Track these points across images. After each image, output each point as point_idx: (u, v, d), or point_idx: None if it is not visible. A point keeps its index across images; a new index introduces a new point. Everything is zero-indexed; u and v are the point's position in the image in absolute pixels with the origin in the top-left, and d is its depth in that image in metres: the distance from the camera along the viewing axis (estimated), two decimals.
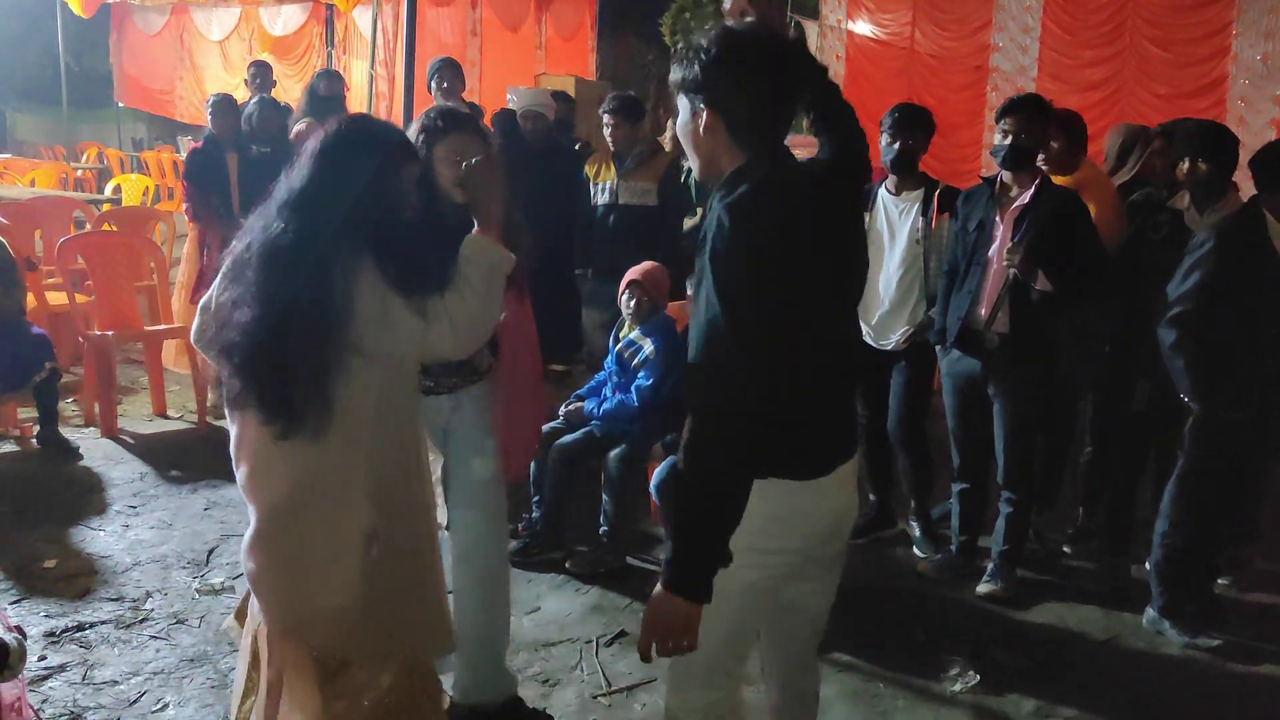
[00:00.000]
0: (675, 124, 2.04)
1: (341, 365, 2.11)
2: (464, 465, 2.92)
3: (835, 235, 2.05)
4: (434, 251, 2.30)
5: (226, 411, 2.24)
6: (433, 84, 6.03)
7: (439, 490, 2.88)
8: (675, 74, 1.97)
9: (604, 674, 3.33)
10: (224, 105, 6.20)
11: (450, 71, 6.03)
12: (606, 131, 5.30)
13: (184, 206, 6.16)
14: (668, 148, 6.06)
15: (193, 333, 2.35)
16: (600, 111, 5.42)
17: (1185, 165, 3.78)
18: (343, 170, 2.20)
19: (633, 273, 4.23)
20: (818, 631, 2.31)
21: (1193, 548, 3.68)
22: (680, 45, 2.01)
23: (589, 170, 5.49)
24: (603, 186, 5.39)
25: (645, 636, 1.89)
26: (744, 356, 1.80)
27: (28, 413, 5.25)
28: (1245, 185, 4.95)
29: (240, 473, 2.23)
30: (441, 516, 2.86)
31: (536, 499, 4.17)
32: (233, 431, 2.23)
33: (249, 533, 2.23)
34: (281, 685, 2.23)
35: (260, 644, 2.29)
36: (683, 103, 1.98)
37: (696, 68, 1.91)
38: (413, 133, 2.67)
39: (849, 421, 2.19)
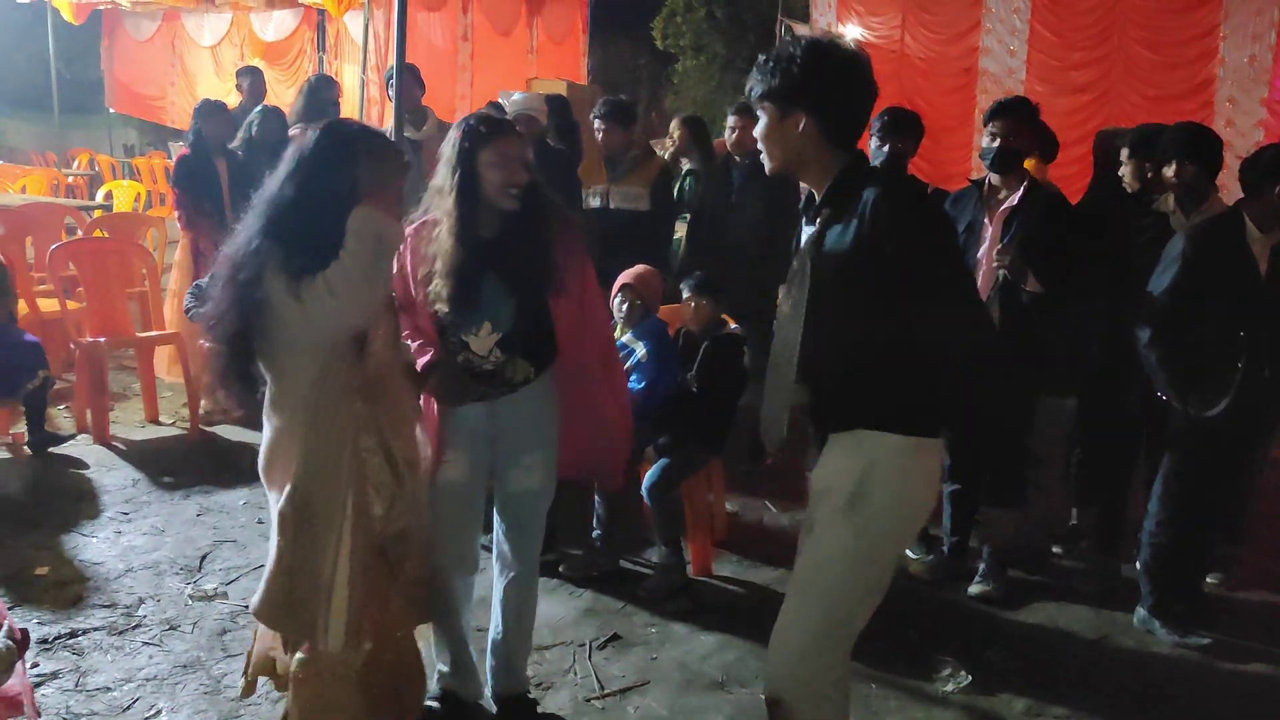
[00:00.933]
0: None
1: (270, 358, 2.43)
2: (501, 477, 2.95)
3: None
4: (323, 232, 2.38)
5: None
6: (391, 91, 6.07)
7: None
8: (764, 81, 2.18)
9: (597, 677, 3.34)
10: (214, 110, 6.20)
11: (407, 78, 6.06)
12: (599, 137, 5.31)
13: (176, 213, 6.15)
14: (668, 150, 6.08)
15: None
16: (592, 117, 5.43)
17: (1172, 168, 3.80)
18: (319, 180, 2.31)
19: (625, 276, 4.24)
20: None
21: (1180, 547, 3.70)
22: (765, 56, 2.22)
23: (581, 176, 5.49)
24: (594, 192, 5.40)
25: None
26: (968, 312, 2.15)
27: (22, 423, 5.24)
28: (1233, 187, 5.00)
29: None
30: None
31: None
32: None
33: None
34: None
35: None
36: (769, 108, 2.19)
37: (795, 75, 2.14)
38: (454, 139, 2.69)
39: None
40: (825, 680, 2.27)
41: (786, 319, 2.30)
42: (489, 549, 3.13)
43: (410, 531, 2.57)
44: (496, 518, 3.03)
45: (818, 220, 2.26)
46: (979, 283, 3.82)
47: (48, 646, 3.38)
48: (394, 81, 5.95)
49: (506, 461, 2.91)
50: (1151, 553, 3.72)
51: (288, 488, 2.45)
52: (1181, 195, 3.84)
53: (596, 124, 5.31)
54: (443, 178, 2.70)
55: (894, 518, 2.24)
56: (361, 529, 2.48)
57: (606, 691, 3.27)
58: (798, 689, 2.25)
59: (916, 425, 2.20)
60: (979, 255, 3.84)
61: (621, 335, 4.24)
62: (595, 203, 5.38)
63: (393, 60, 5.07)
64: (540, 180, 2.78)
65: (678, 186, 6.15)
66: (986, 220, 3.85)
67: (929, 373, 2.12)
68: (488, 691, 3.12)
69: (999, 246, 3.75)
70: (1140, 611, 3.79)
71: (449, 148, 2.69)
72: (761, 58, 2.23)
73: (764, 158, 2.29)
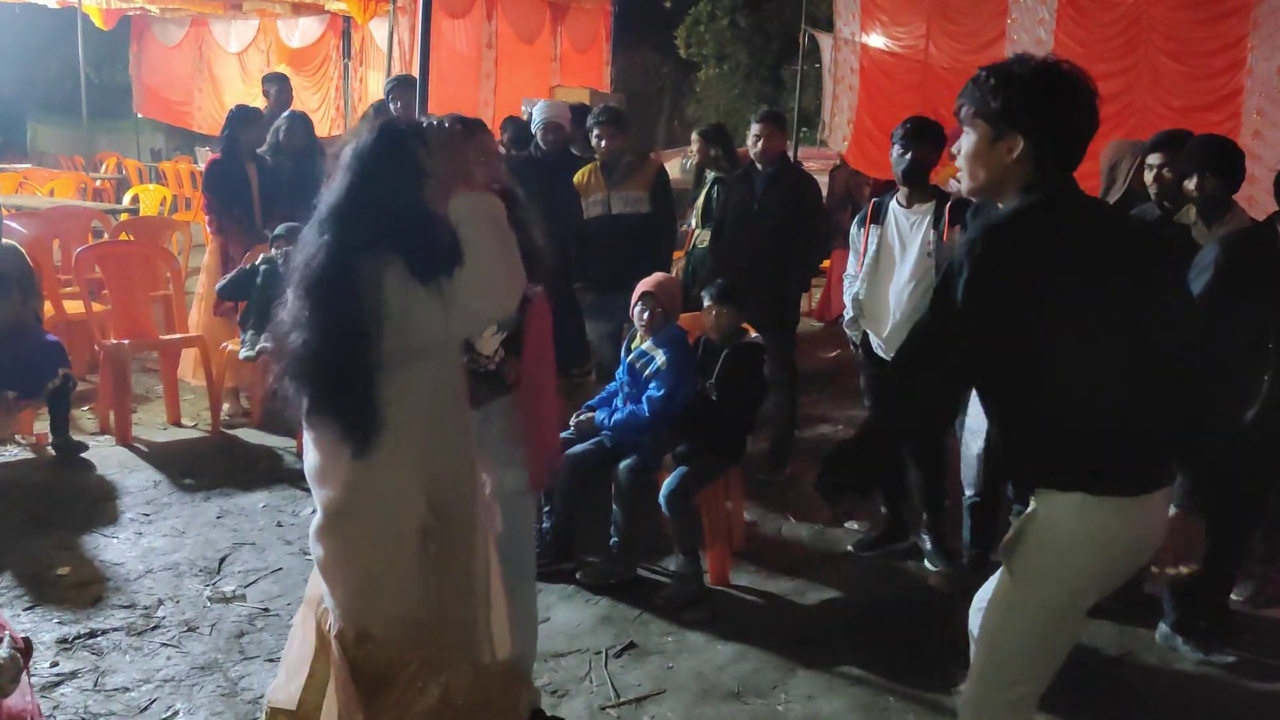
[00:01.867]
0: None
1: (387, 371, 2.22)
2: (504, 473, 2.93)
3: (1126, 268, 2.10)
4: (443, 237, 2.33)
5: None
6: (390, 104, 6.13)
7: None
8: (978, 97, 2.09)
9: (613, 685, 3.33)
10: (249, 116, 6.27)
11: (400, 90, 6.13)
12: (600, 144, 5.32)
13: (206, 219, 6.21)
14: (695, 156, 6.11)
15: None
16: (589, 124, 5.45)
17: (1194, 181, 3.75)
18: (377, 180, 2.26)
19: (646, 284, 4.24)
20: None
21: (1205, 563, 3.63)
22: (985, 72, 2.11)
23: (578, 184, 5.50)
24: (595, 199, 5.42)
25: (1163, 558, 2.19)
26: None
27: (45, 423, 5.29)
28: (1262, 199, 4.94)
29: (307, 460, 2.37)
30: None
31: (547, 509, 4.17)
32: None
33: (314, 520, 2.36)
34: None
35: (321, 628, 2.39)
36: (979, 126, 2.10)
37: (1019, 98, 2.04)
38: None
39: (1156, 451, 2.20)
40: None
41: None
42: None
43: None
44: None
45: None
46: None
47: (67, 646, 3.41)
48: (393, 93, 6.09)
49: (500, 462, 2.90)
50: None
51: (420, 504, 2.31)
52: (1203, 208, 3.80)
53: (595, 132, 5.33)
54: None
55: (1044, 567, 2.16)
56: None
57: (622, 700, 3.26)
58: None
59: (1084, 482, 2.08)
60: None
61: (642, 343, 4.24)
62: (597, 210, 5.40)
63: (418, 66, 5.12)
64: (517, 191, 2.80)
65: (704, 195, 6.17)
66: None
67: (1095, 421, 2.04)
68: None
69: None
70: (1163, 628, 3.73)
71: None
72: (982, 73, 2.12)
73: (963, 176, 2.20)
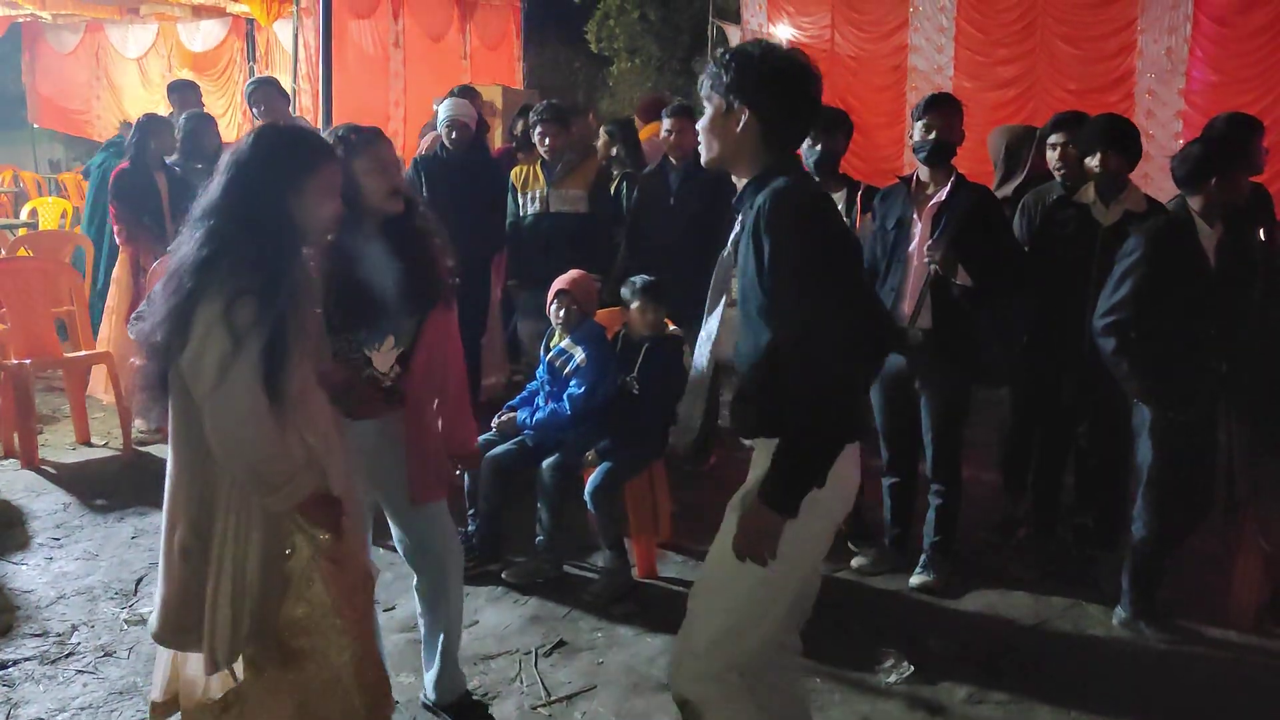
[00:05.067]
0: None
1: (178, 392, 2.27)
2: (400, 485, 2.91)
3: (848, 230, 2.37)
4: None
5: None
6: (253, 110, 6.01)
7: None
8: (716, 74, 2.24)
9: (543, 684, 3.33)
10: (158, 124, 6.09)
11: (264, 93, 6.03)
12: (542, 141, 5.26)
13: (115, 228, 6.01)
14: (603, 151, 6.08)
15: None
16: (531, 121, 5.38)
17: (1096, 159, 3.87)
18: (252, 183, 2.22)
19: (560, 282, 4.24)
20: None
21: (1168, 547, 3.70)
22: (723, 51, 2.29)
23: (515, 180, 5.46)
24: (532, 195, 5.36)
25: (738, 543, 2.18)
26: (833, 304, 2.10)
27: None
28: (1156, 176, 5.11)
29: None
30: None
31: (471, 512, 4.15)
32: None
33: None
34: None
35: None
36: (715, 101, 2.24)
37: (746, 72, 2.19)
38: None
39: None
40: (731, 680, 2.27)
41: (709, 324, 2.34)
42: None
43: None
44: (404, 534, 3.01)
45: (737, 225, 2.30)
46: (908, 278, 3.88)
47: None
48: (252, 98, 5.96)
49: (402, 468, 2.88)
50: (1139, 560, 3.70)
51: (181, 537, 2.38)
52: (1102, 185, 3.92)
53: (537, 129, 5.27)
54: None
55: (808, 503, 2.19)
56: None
57: (553, 698, 3.26)
58: (701, 688, 2.28)
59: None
60: (909, 250, 3.90)
61: (560, 341, 4.24)
62: (534, 207, 5.35)
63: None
64: (417, 197, 2.81)
65: (614, 191, 6.16)
66: (916, 215, 3.91)
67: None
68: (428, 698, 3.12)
69: (929, 241, 3.80)
70: (1121, 613, 3.76)
71: None
72: (720, 52, 2.30)
73: (702, 148, 2.33)
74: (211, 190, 2.29)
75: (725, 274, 2.33)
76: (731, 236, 2.33)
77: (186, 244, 2.26)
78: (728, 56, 2.25)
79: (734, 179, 2.34)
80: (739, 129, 2.22)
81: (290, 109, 6.17)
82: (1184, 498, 3.63)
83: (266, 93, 6.08)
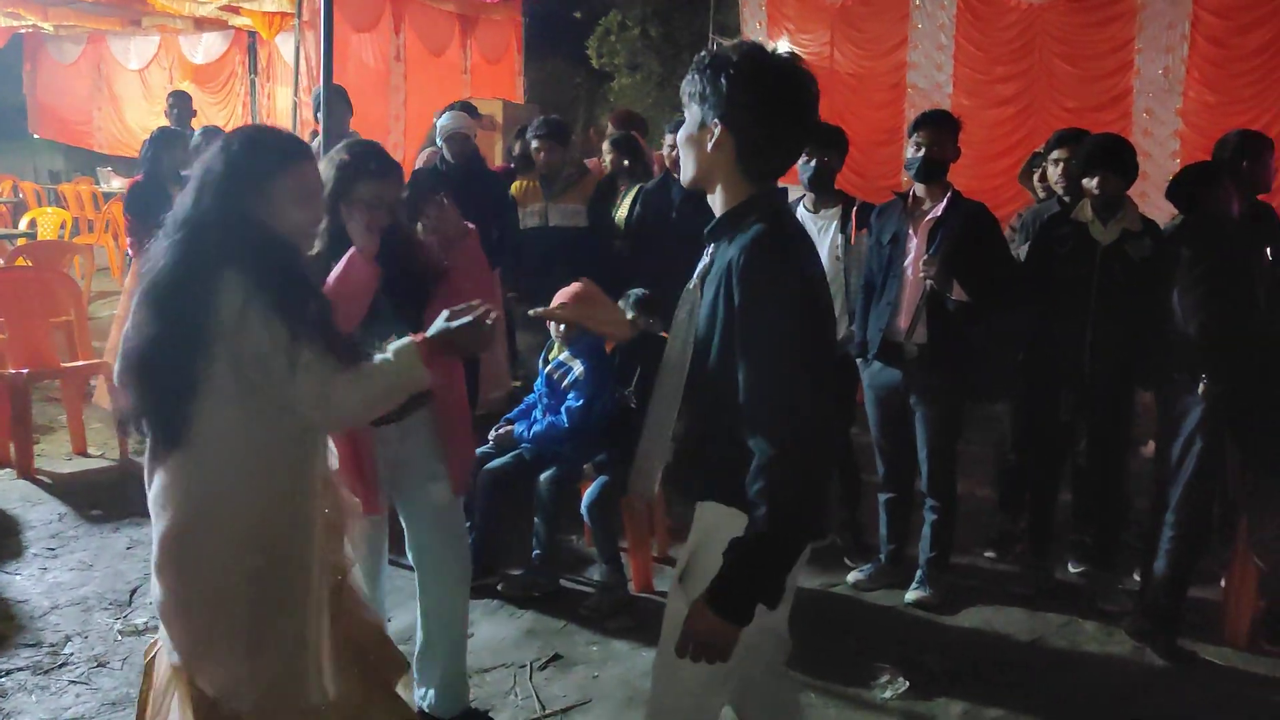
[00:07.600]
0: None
1: (207, 385, 2.09)
2: (421, 491, 2.96)
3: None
4: (315, 295, 2.25)
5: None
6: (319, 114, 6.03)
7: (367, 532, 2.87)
8: (693, 83, 1.90)
9: (538, 698, 3.32)
10: (172, 138, 6.13)
11: (335, 99, 6.04)
12: (539, 156, 5.31)
13: (128, 240, 6.03)
14: (608, 167, 6.10)
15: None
16: (529, 136, 5.43)
17: (1094, 180, 3.88)
18: (226, 182, 2.19)
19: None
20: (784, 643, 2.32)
21: (1195, 559, 3.68)
22: (703, 54, 1.91)
23: (515, 194, 5.49)
24: (532, 210, 5.40)
25: (684, 642, 1.90)
26: (813, 392, 1.83)
27: None
28: (1153, 194, 5.11)
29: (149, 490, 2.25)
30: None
31: (468, 524, 4.14)
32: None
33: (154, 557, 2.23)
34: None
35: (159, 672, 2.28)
36: (693, 112, 1.92)
37: (721, 82, 1.84)
38: (328, 170, 2.68)
39: None
40: None
41: (672, 364, 2.02)
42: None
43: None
44: (425, 540, 3.03)
45: (706, 256, 2.00)
46: (904, 293, 3.90)
47: None
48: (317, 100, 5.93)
49: (425, 476, 2.93)
50: (1171, 566, 3.64)
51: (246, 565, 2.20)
52: (1100, 205, 3.94)
53: (535, 144, 5.31)
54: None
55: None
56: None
57: (548, 712, 3.25)
58: None
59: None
60: (905, 266, 3.91)
61: (558, 354, 4.25)
62: (533, 221, 5.39)
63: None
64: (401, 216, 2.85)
65: (627, 206, 6.16)
66: (911, 231, 3.92)
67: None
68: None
69: (925, 257, 3.82)
70: (1133, 625, 3.77)
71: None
72: (700, 55, 1.91)
73: (681, 164, 2.04)
74: (183, 198, 2.25)
75: (691, 310, 2.00)
76: (699, 268, 2.04)
77: (161, 255, 2.22)
78: (706, 59, 1.88)
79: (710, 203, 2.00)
80: (710, 148, 1.89)
81: (349, 118, 6.17)
82: (1209, 507, 3.66)
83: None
